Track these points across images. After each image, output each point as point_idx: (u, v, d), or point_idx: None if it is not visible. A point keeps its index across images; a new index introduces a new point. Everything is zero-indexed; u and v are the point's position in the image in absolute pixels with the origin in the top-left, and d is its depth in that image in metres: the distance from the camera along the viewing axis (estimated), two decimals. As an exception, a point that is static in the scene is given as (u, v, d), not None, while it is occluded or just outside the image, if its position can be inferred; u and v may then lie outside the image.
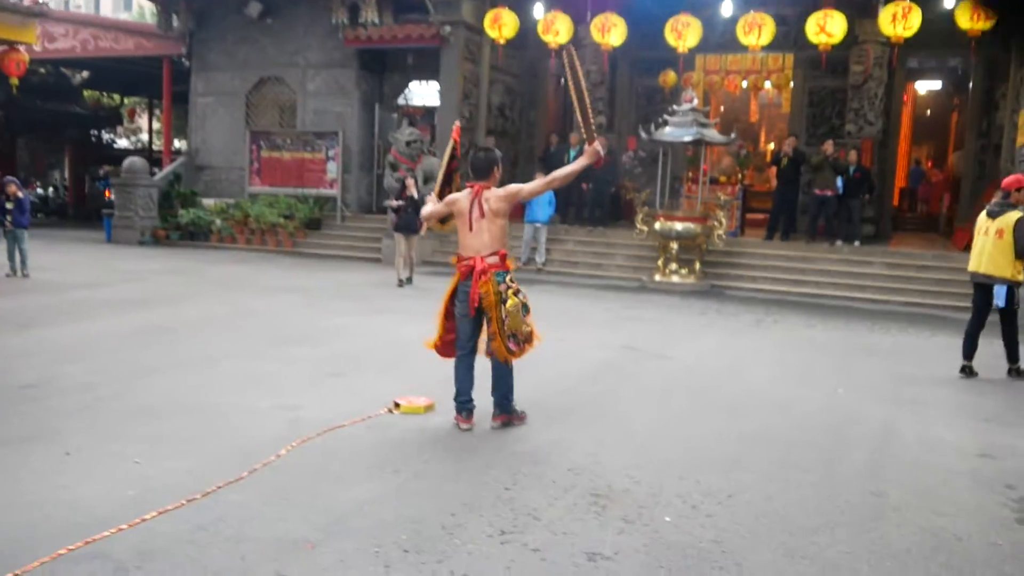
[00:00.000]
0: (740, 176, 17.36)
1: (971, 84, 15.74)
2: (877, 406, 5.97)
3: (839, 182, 13.35)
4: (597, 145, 4.75)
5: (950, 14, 12.13)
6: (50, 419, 4.84)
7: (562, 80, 18.68)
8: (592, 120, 4.94)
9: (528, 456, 4.46)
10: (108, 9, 44.83)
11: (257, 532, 3.37)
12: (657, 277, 12.57)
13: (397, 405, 5.22)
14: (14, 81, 13.44)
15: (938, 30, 13.35)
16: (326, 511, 3.60)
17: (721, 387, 6.31)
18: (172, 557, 3.13)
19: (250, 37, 17.57)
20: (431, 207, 5.15)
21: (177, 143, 25.11)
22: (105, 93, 26.20)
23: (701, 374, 6.77)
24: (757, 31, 12.81)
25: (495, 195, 4.87)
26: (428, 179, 14.66)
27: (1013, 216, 6.87)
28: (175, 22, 17.97)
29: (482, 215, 4.82)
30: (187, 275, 11.95)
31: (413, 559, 3.19)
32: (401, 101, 18.12)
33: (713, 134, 12.58)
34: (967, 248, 12.82)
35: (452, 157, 5.44)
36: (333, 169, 16.86)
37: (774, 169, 14.48)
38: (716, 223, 12.44)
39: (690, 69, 16.74)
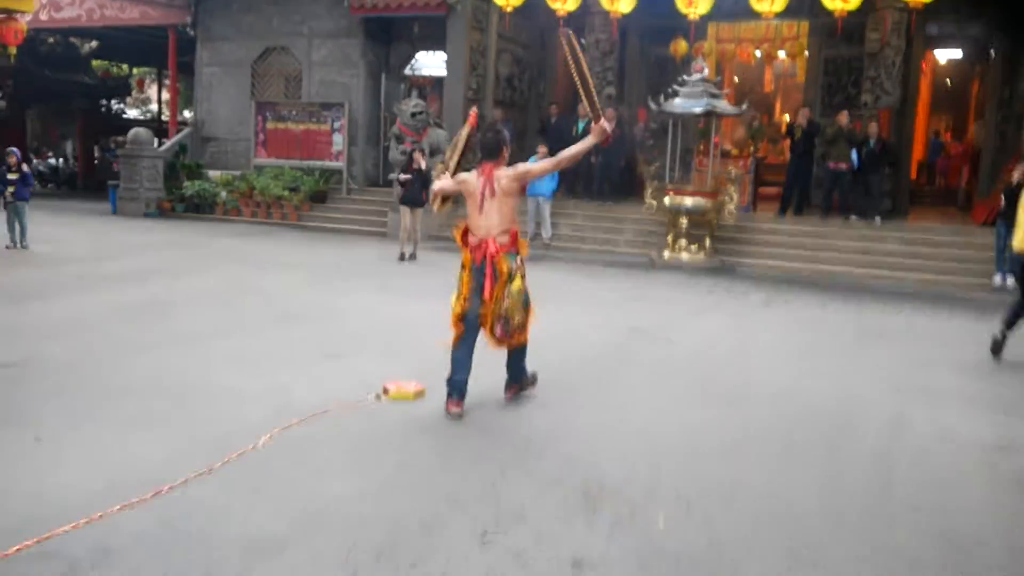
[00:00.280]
0: (752, 149, 16.96)
1: (992, 52, 15.20)
2: (888, 394, 5.72)
3: (854, 155, 12.96)
4: (604, 123, 4.70)
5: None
6: (25, 400, 4.69)
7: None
8: (596, 100, 4.88)
9: (520, 446, 4.26)
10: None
11: (224, 529, 3.19)
12: (666, 254, 12.28)
13: (386, 391, 5.03)
14: (12, 50, 13.23)
15: (959, -5, 12.88)
16: (301, 506, 3.42)
17: (725, 373, 6.08)
18: (130, 557, 2.96)
19: (255, 6, 17.25)
20: (441, 183, 5.11)
21: (187, 114, 24.90)
22: (114, 63, 25.98)
23: (705, 359, 6.53)
24: (771, -2, 12.37)
25: (505, 174, 4.85)
26: (434, 151, 14.37)
27: None
28: (180, -10, 17.70)
29: (492, 194, 4.81)
30: (189, 248, 11.79)
31: (385, 564, 2.99)
32: (408, 71, 17.78)
33: (724, 105, 12.21)
34: (986, 223, 12.57)
35: (465, 143, 5.39)
36: (339, 141, 16.59)
37: (788, 141, 14.09)
38: (727, 198, 12.11)
39: (702, 38, 16.25)
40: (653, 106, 12.47)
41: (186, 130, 18.39)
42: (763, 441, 4.52)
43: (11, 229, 11.07)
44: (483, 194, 4.81)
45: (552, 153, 12.06)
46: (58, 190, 23.50)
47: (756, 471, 4.10)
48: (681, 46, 16.16)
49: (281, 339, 6.46)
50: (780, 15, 13.27)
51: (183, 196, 16.53)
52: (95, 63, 24.91)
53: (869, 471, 4.17)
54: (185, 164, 17.29)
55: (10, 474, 3.66)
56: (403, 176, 11.86)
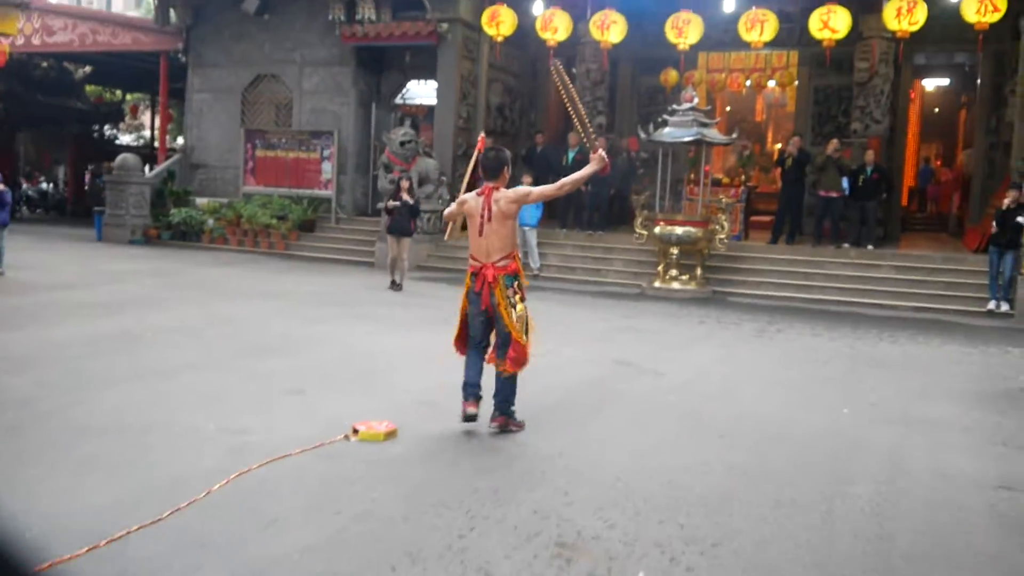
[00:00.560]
0: (744, 177, 16.86)
1: (979, 80, 15.21)
2: (884, 428, 5.49)
3: (845, 183, 12.86)
4: (602, 152, 4.77)
5: (956, 8, 11.62)
6: (-27, 442, 4.44)
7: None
8: (591, 128, 5.00)
9: (491, 494, 4.00)
10: (119, 5, 44.58)
11: (161, 591, 2.95)
12: (657, 283, 12.09)
13: (355, 431, 4.78)
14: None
15: (945, 25, 12.91)
16: (246, 564, 3.15)
17: (714, 408, 5.84)
18: (53, 624, 2.71)
19: (247, 33, 17.20)
20: (448, 209, 5.27)
21: (180, 140, 24.80)
22: (108, 89, 25.92)
23: (694, 393, 6.29)
24: (759, 27, 12.40)
25: (505, 196, 4.88)
26: (423, 181, 14.23)
27: None
28: (172, 17, 17.64)
29: (491, 217, 4.84)
30: (170, 277, 11.56)
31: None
32: (399, 100, 17.70)
33: (714, 134, 12.11)
34: (978, 249, 12.46)
35: (475, 167, 5.55)
36: (328, 169, 16.45)
37: (779, 170, 14.00)
38: (718, 227, 11.96)
39: (693, 67, 16.23)
40: (643, 135, 12.38)
41: (175, 156, 18.27)
42: (752, 487, 4.27)
43: (-13, 254, 10.85)
44: (483, 216, 4.83)
45: (537, 182, 12.01)
46: (47, 215, 23.31)
47: (745, 518, 3.85)
48: (671, 76, 16.13)
49: (248, 373, 6.20)
50: (769, 45, 13.29)
51: (170, 223, 16.33)
52: (89, 88, 24.83)
53: (865, 520, 3.91)
54: (173, 191, 17.12)
55: (-61, 525, 3.41)
56: (391, 203, 11.67)
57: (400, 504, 3.82)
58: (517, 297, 4.87)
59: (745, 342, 8.61)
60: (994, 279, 10.87)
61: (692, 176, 14.04)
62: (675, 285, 11.94)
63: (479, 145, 5.52)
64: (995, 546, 3.71)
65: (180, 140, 24.71)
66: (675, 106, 12.39)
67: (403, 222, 11.41)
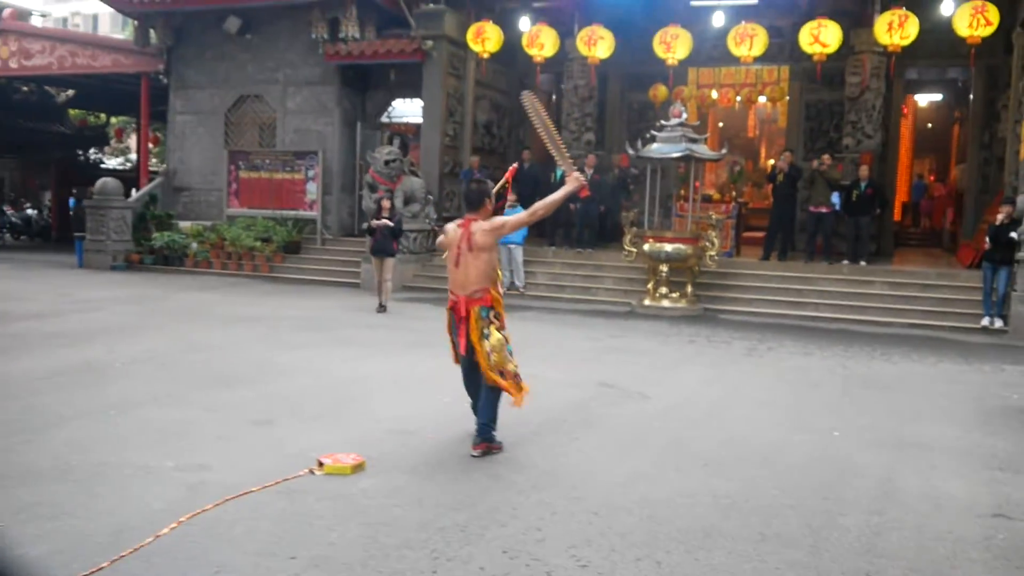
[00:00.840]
0: (735, 193, 16.70)
1: (972, 95, 15.11)
2: (876, 452, 5.26)
3: (835, 198, 12.70)
4: (578, 175, 4.80)
5: (948, 22, 11.50)
6: (-90, 485, 4.17)
7: (553, 96, 18.14)
8: (565, 153, 5.05)
9: (458, 531, 3.74)
10: (106, 27, 44.56)
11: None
12: (647, 301, 11.87)
13: (321, 464, 4.52)
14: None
15: (937, 39, 12.79)
16: (184, 620, 2.91)
17: (700, 434, 5.59)
18: None
19: (229, 53, 17.04)
20: (439, 239, 5.23)
21: (165, 164, 24.59)
22: (91, 112, 25.71)
23: (679, 418, 6.05)
24: (749, 42, 12.28)
25: (481, 228, 4.85)
26: (408, 200, 14.04)
27: None
28: (152, 38, 17.48)
29: (469, 248, 4.81)
30: (147, 304, 11.29)
31: None
32: (385, 119, 17.54)
33: (703, 149, 11.93)
34: (972, 265, 12.30)
35: (500, 194, 5.55)
36: (313, 190, 16.26)
37: (771, 186, 13.83)
38: (708, 244, 11.76)
39: (682, 83, 16.10)
40: (631, 151, 12.21)
41: (157, 180, 18.03)
42: (737, 520, 4.02)
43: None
44: (460, 247, 4.82)
45: (522, 200, 11.81)
46: (31, 242, 23.02)
47: (728, 554, 3.60)
48: (661, 91, 16.00)
49: (211, 405, 5.90)
50: (760, 60, 13.16)
51: (152, 248, 16.09)
52: (72, 112, 24.61)
53: (854, 556, 3.67)
54: (155, 214, 16.89)
55: None
56: (374, 222, 11.41)
57: (360, 547, 3.55)
58: (493, 327, 4.81)
59: (735, 362, 8.38)
60: (988, 295, 10.72)
61: (683, 192, 13.89)
62: (665, 303, 11.72)
63: (508, 175, 5.51)
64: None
65: (165, 164, 24.55)
66: (663, 122, 12.22)
67: (385, 243, 11.19)
